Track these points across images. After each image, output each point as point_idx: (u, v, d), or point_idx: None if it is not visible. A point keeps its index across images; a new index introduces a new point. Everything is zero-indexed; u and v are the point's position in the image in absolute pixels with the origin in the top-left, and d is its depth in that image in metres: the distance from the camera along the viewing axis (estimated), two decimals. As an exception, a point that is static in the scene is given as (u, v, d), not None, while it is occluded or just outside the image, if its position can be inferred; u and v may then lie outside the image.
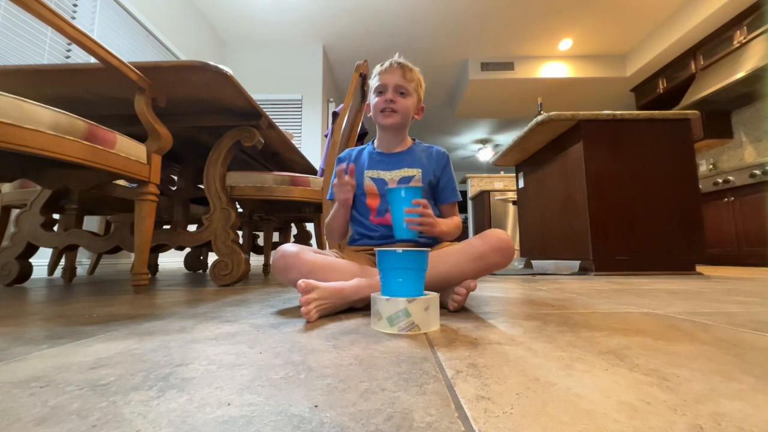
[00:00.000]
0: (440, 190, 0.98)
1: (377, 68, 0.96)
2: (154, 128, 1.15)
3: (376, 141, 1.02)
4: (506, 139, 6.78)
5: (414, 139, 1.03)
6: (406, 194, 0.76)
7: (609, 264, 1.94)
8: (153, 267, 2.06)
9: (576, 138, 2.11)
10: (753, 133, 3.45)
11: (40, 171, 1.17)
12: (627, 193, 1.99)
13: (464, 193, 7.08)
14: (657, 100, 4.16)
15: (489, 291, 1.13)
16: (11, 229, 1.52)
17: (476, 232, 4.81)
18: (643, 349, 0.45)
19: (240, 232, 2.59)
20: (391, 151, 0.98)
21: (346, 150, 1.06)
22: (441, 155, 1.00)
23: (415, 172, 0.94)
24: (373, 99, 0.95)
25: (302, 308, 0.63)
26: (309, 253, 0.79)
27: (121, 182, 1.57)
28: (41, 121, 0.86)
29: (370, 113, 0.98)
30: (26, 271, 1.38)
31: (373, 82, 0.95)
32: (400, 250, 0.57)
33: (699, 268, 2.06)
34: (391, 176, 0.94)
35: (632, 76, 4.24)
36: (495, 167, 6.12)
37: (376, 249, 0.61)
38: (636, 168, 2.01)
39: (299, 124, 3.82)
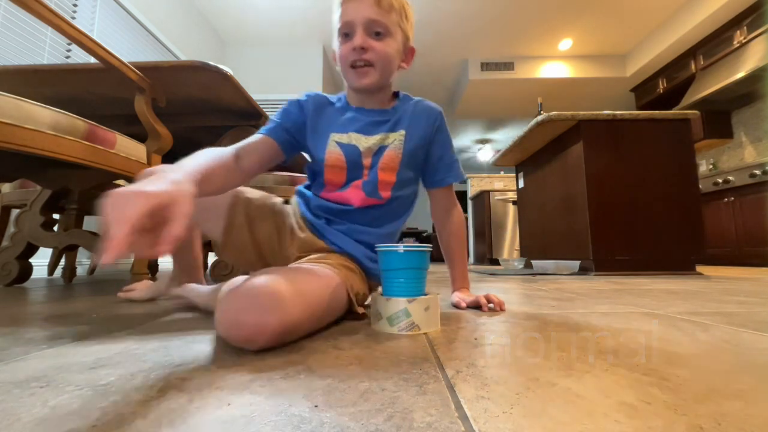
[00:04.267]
0: (432, 166, 0.73)
1: None
2: (154, 128, 1.15)
3: (347, 96, 0.74)
4: (506, 139, 6.78)
5: (398, 94, 0.76)
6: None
7: (609, 264, 1.94)
8: (153, 267, 2.05)
9: (576, 138, 2.11)
10: (753, 133, 3.45)
11: (40, 171, 1.17)
12: (627, 193, 1.99)
13: (464, 193, 7.06)
14: (657, 100, 4.17)
15: (489, 291, 1.13)
16: (11, 229, 1.52)
17: (476, 232, 4.81)
18: (644, 348, 0.45)
19: (240, 232, 2.58)
20: (369, 107, 0.72)
21: (307, 94, 0.74)
22: (433, 112, 0.73)
23: (397, 136, 0.69)
24: (337, 44, 0.68)
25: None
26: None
27: (121, 182, 1.57)
28: (41, 121, 0.86)
29: (338, 66, 0.70)
30: (26, 271, 1.38)
31: (335, 19, 0.66)
32: (401, 249, 0.56)
33: (699, 268, 2.06)
34: (368, 143, 0.68)
35: (632, 76, 4.25)
36: (495, 167, 6.12)
37: (377, 247, 0.59)
38: (636, 168, 2.01)
39: (299, 124, 3.82)
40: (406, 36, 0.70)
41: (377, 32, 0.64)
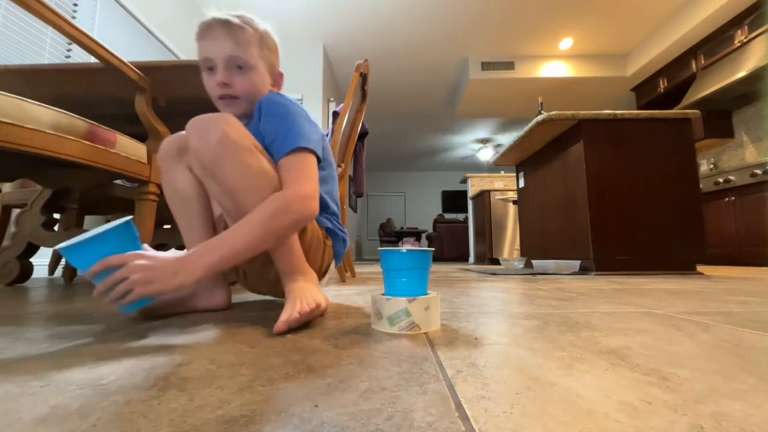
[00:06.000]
0: (269, 146, 0.65)
1: (197, 28, 0.67)
2: (155, 128, 1.16)
3: None
4: (507, 138, 6.78)
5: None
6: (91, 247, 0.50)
7: (609, 264, 1.94)
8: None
9: (576, 137, 2.11)
10: (754, 133, 3.45)
11: (41, 171, 1.17)
12: (627, 193, 1.99)
13: (464, 193, 7.07)
14: (657, 100, 4.16)
15: (489, 291, 1.13)
16: (12, 228, 1.52)
17: (476, 232, 4.81)
18: (644, 348, 0.45)
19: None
20: None
21: None
22: (260, 104, 0.68)
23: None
24: (204, 75, 0.69)
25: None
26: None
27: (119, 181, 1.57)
28: (42, 120, 0.86)
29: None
30: (27, 270, 1.38)
31: (198, 51, 0.68)
32: (404, 250, 0.57)
33: (699, 268, 2.05)
34: None
35: (633, 75, 4.24)
36: (495, 167, 6.13)
37: (380, 249, 0.60)
38: (636, 168, 2.01)
39: (299, 123, 3.81)
40: (270, 64, 0.73)
41: (239, 66, 0.68)
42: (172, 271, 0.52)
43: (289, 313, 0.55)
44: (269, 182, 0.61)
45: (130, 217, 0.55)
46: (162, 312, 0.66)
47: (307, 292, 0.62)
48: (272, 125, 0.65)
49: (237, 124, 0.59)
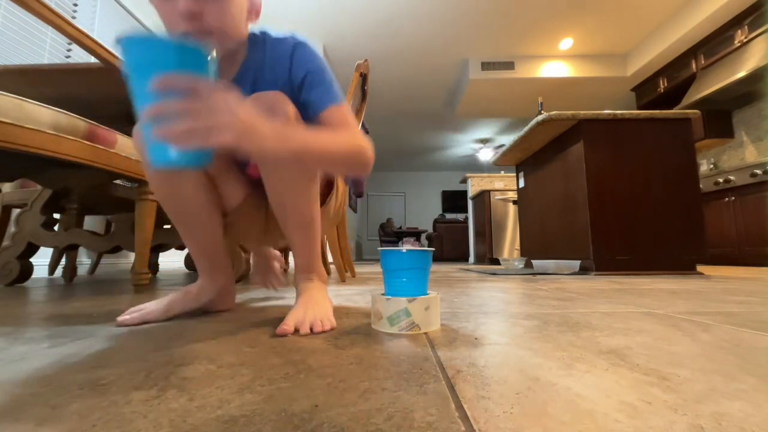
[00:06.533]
0: (306, 98, 0.58)
1: None
2: (155, 128, 1.15)
3: None
4: (507, 138, 6.77)
5: (249, 39, 0.60)
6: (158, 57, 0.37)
7: (609, 263, 1.94)
8: (153, 266, 2.06)
9: (576, 137, 2.11)
10: (754, 133, 3.44)
11: (41, 171, 1.17)
12: (627, 193, 1.99)
13: (464, 193, 7.06)
14: (657, 100, 4.16)
15: (489, 291, 1.13)
16: (12, 228, 1.52)
17: (476, 232, 4.81)
18: (644, 348, 0.45)
19: (240, 232, 2.57)
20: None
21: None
22: (282, 59, 0.58)
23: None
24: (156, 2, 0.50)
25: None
26: None
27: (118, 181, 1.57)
28: (42, 120, 0.86)
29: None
30: (27, 270, 1.38)
31: None
32: (404, 250, 0.57)
33: (700, 268, 2.05)
34: None
35: (633, 75, 4.24)
36: (495, 167, 6.12)
37: (379, 249, 0.60)
38: (636, 167, 2.01)
39: (299, 123, 3.81)
40: None
41: None
42: (265, 129, 0.41)
43: (300, 320, 0.55)
44: (313, 176, 0.62)
45: (214, 54, 0.43)
46: (166, 313, 0.66)
47: (321, 307, 0.60)
48: (312, 71, 0.58)
49: (293, 106, 0.55)
